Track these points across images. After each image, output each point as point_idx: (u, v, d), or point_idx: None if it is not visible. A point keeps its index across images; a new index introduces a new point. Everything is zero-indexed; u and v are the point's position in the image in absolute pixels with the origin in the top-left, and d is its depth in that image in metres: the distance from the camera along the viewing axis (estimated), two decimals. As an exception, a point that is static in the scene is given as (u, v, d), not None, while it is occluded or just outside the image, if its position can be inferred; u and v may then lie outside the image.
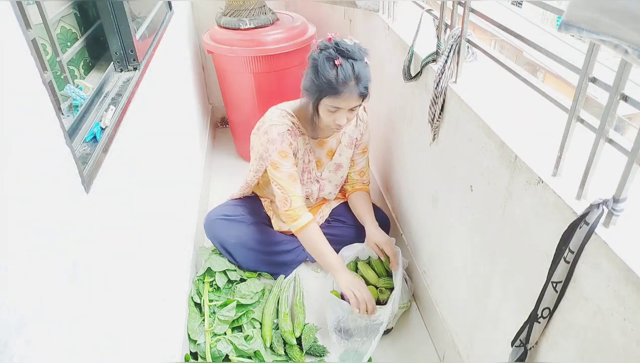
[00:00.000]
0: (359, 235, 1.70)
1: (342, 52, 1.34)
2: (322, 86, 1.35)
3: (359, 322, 1.42)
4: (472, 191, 1.09)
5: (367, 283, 1.62)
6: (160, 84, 1.54)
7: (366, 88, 1.38)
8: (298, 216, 1.52)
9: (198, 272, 1.68)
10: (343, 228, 1.75)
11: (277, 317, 1.55)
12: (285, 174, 1.52)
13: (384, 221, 1.77)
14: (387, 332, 1.51)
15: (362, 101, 1.42)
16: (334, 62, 1.33)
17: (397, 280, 1.48)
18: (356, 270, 1.68)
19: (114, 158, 0.95)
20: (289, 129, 1.52)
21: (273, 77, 2.15)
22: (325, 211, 1.79)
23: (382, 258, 1.61)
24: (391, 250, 1.55)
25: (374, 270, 1.66)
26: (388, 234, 1.80)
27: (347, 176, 1.78)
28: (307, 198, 1.73)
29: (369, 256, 1.68)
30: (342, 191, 1.85)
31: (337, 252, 1.60)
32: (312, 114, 1.46)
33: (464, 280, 1.20)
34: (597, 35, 0.53)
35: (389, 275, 1.64)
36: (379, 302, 1.54)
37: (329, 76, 1.33)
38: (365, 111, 1.70)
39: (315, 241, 1.54)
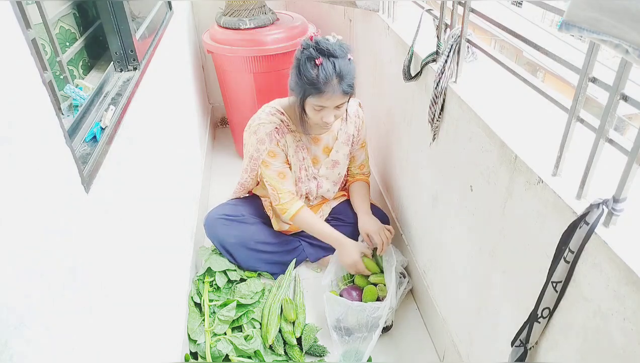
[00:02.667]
0: (357, 233, 1.70)
1: (323, 51, 1.35)
2: (305, 86, 1.37)
3: (358, 318, 1.42)
4: (472, 191, 1.09)
5: (366, 282, 1.62)
6: (160, 84, 1.54)
7: (350, 86, 1.39)
8: (287, 209, 1.61)
9: (198, 272, 1.68)
10: (342, 226, 1.75)
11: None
12: (274, 173, 1.59)
13: (383, 220, 1.77)
14: (387, 329, 1.52)
15: (348, 98, 1.43)
16: (315, 61, 1.34)
17: (392, 276, 1.48)
18: (352, 275, 1.68)
19: (114, 158, 0.95)
20: (276, 128, 1.55)
21: (273, 77, 2.15)
22: (325, 210, 1.79)
23: (370, 246, 1.63)
24: (378, 239, 1.59)
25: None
26: None
27: (348, 170, 1.80)
28: (306, 197, 1.73)
29: (364, 253, 1.67)
30: (344, 188, 1.85)
31: (332, 253, 1.66)
32: (300, 112, 1.48)
33: (464, 279, 1.20)
34: (598, 35, 0.53)
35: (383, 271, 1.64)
36: (378, 299, 1.54)
37: (310, 76, 1.35)
38: (360, 106, 1.70)
39: (310, 224, 1.63)
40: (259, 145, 1.56)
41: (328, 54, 1.34)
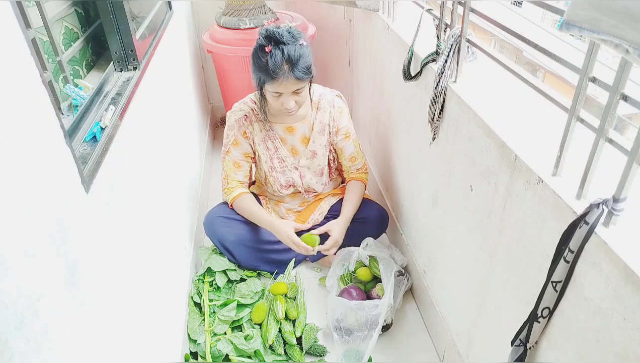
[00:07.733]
0: (357, 231, 1.70)
1: (271, 39, 1.38)
2: (259, 74, 1.43)
3: (358, 317, 1.42)
4: (472, 191, 1.09)
5: (366, 281, 1.62)
6: (160, 84, 1.54)
7: (304, 70, 1.41)
8: (231, 191, 1.68)
9: (198, 272, 1.68)
10: None
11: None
12: (231, 161, 1.68)
13: (384, 218, 1.77)
14: (386, 327, 1.52)
15: (305, 82, 1.45)
16: (265, 49, 1.38)
17: (390, 277, 1.49)
18: (350, 279, 1.68)
19: (114, 158, 0.95)
20: (245, 115, 1.63)
21: (273, 77, 2.15)
22: (324, 208, 1.79)
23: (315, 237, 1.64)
24: (329, 243, 1.61)
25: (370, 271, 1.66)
26: (385, 230, 1.82)
27: (340, 164, 1.78)
28: (292, 186, 1.73)
29: (296, 229, 1.68)
30: (343, 187, 1.85)
31: (334, 254, 1.67)
32: (260, 100, 1.54)
33: (464, 279, 1.20)
34: (598, 35, 0.53)
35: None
36: (374, 298, 1.55)
37: (261, 63, 1.40)
38: (342, 98, 1.72)
39: (248, 208, 1.68)
40: (228, 131, 1.66)
41: (276, 42, 1.38)
